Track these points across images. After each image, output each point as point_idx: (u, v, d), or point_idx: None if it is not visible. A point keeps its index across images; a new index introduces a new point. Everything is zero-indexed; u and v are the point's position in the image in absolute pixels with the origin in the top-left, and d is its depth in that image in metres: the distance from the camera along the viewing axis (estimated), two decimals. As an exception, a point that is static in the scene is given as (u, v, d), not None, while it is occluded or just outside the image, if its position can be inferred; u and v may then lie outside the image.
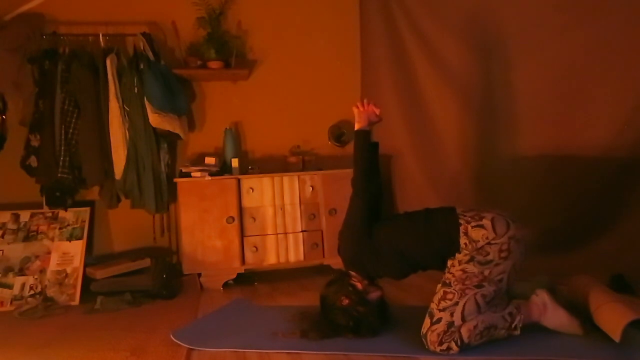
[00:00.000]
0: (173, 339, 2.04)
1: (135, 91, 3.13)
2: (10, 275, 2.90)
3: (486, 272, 1.79)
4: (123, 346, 2.03)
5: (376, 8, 3.69)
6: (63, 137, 3.06)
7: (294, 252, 3.25)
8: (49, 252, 3.02)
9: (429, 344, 1.75)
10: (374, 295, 2.02)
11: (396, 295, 2.51)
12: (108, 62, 3.13)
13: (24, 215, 3.13)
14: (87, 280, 2.91)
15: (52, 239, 3.07)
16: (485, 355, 1.71)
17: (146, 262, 3.05)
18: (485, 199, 3.26)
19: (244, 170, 3.35)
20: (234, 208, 3.15)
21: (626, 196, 2.60)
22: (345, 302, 1.97)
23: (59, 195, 3.13)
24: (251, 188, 3.20)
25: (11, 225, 3.09)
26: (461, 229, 1.85)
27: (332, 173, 3.34)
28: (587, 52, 2.66)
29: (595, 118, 2.68)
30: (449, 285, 1.82)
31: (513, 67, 2.99)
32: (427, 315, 1.81)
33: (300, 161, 3.49)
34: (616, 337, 1.64)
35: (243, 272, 3.18)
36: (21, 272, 2.93)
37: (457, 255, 1.85)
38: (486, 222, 1.84)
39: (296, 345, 1.89)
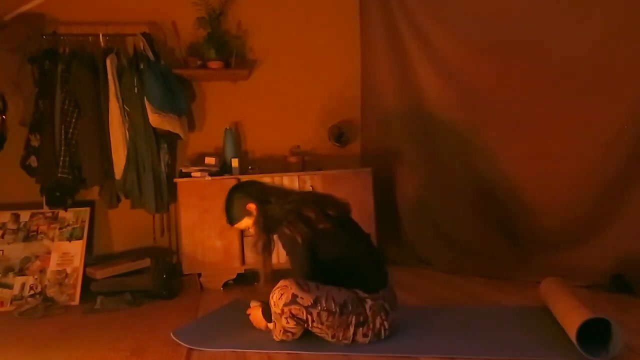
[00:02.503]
0: (173, 338, 2.04)
1: (135, 91, 3.13)
2: (10, 275, 2.90)
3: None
4: (123, 346, 2.03)
5: (376, 8, 3.69)
6: (63, 137, 3.06)
7: (294, 252, 3.25)
8: (49, 252, 3.01)
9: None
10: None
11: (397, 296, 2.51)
12: (108, 62, 3.13)
13: (24, 215, 3.13)
14: (87, 280, 2.91)
15: (52, 239, 3.07)
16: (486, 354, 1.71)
17: (146, 262, 3.05)
18: (484, 198, 3.26)
19: (244, 170, 3.35)
20: (234, 208, 3.15)
21: (626, 196, 2.60)
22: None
23: (59, 195, 3.13)
24: (251, 188, 3.20)
25: (11, 225, 3.09)
26: None
27: (332, 173, 3.34)
28: (587, 52, 2.66)
29: (595, 118, 2.68)
30: None
31: (513, 67, 2.99)
32: None
33: (300, 161, 3.49)
34: (574, 339, 1.65)
35: (243, 272, 3.18)
36: (21, 272, 2.93)
37: None
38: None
39: (296, 346, 1.89)
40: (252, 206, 2.04)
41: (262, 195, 2.06)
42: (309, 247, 1.90)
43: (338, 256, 1.93)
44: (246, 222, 2.09)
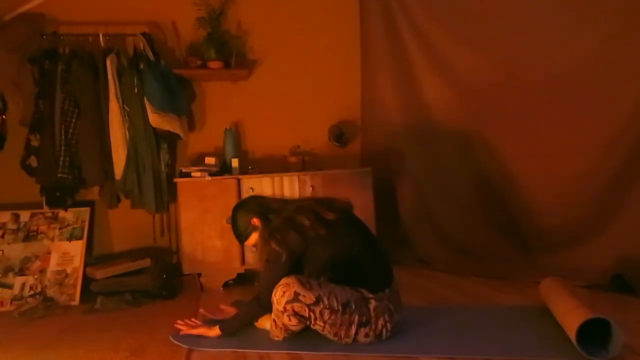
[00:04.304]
0: (172, 340, 2.04)
1: (135, 91, 3.13)
2: (10, 275, 2.91)
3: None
4: (123, 346, 2.03)
5: (376, 8, 3.70)
6: (63, 137, 3.06)
7: (294, 252, 3.24)
8: (49, 252, 3.02)
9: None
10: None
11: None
12: (108, 62, 3.13)
13: (24, 215, 3.13)
14: (87, 280, 2.91)
15: (52, 239, 3.07)
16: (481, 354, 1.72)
17: (146, 262, 3.05)
18: (484, 198, 3.27)
19: (244, 170, 3.35)
20: (234, 208, 3.14)
21: (626, 196, 2.60)
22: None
23: (59, 195, 3.13)
24: (251, 188, 3.20)
25: (11, 225, 3.09)
26: None
27: (332, 173, 3.33)
28: (587, 52, 2.66)
29: (595, 118, 2.68)
30: None
31: (514, 67, 2.99)
32: None
33: (300, 161, 3.49)
34: (573, 340, 1.65)
35: (243, 272, 3.18)
36: (21, 272, 2.93)
37: None
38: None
39: (296, 346, 1.89)
40: (256, 220, 2.05)
41: (263, 208, 2.08)
42: (294, 260, 1.92)
43: (334, 259, 1.93)
44: (255, 237, 2.10)
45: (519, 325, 2.02)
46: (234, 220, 2.13)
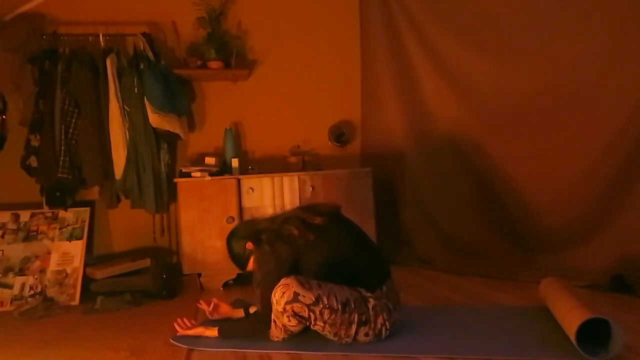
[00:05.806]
0: (172, 342, 2.04)
1: (135, 91, 3.13)
2: (10, 275, 2.90)
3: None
4: (123, 346, 2.03)
5: (376, 8, 3.70)
6: (63, 137, 3.06)
7: (294, 252, 3.24)
8: (49, 252, 3.02)
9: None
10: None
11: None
12: (108, 62, 3.13)
13: (24, 215, 3.13)
14: (87, 280, 2.91)
15: (52, 239, 3.07)
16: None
17: (146, 262, 3.05)
18: (485, 199, 3.27)
19: (244, 170, 3.35)
20: (234, 208, 3.15)
21: (626, 196, 2.60)
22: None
23: (59, 195, 3.13)
24: (251, 188, 3.20)
25: (11, 225, 3.09)
26: None
27: (332, 173, 3.34)
28: (587, 52, 2.66)
29: (595, 118, 2.68)
30: None
31: (513, 67, 3.00)
32: None
33: (300, 161, 3.49)
34: (573, 340, 1.65)
35: (243, 272, 3.17)
36: (21, 272, 2.93)
37: None
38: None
39: (296, 346, 1.89)
40: (250, 245, 2.05)
41: (254, 230, 2.08)
42: (287, 271, 1.90)
43: (328, 261, 1.93)
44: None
45: (519, 325, 2.01)
46: (230, 250, 2.12)
